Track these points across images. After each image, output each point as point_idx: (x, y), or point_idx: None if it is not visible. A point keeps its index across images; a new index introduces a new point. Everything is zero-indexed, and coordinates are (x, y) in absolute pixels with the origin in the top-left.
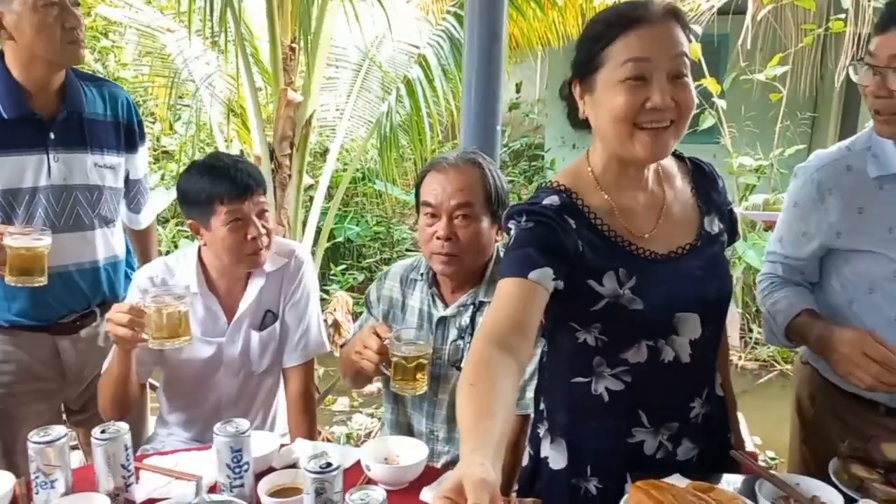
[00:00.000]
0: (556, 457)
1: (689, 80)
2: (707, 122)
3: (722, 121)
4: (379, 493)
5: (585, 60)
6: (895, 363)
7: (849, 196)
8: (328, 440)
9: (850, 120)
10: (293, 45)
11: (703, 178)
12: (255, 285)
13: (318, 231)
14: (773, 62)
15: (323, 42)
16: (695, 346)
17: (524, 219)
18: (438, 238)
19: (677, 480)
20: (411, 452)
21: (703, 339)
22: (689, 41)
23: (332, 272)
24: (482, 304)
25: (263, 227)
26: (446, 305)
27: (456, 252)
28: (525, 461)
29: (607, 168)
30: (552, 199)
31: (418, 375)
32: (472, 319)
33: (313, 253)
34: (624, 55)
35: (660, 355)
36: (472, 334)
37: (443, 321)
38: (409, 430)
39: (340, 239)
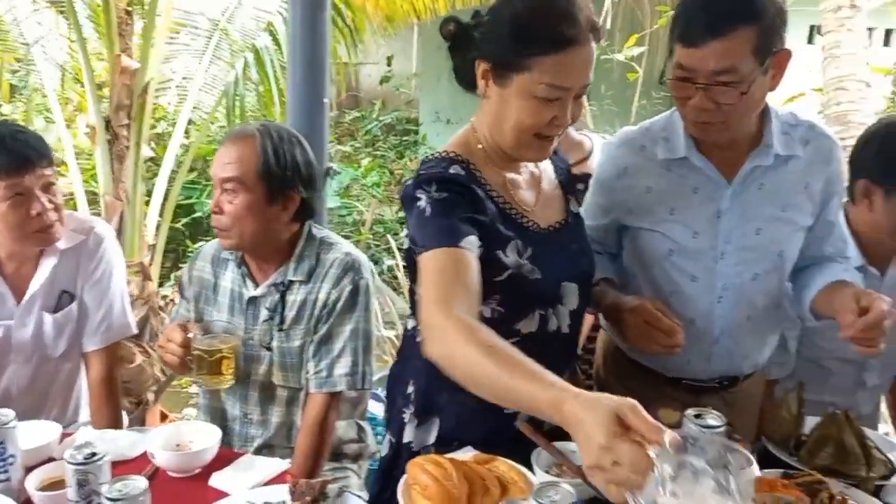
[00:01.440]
0: (422, 438)
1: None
2: None
3: None
4: (140, 482)
5: (506, 57)
6: (668, 327)
7: (641, 175)
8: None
9: None
10: (128, 8)
11: (559, 161)
12: (47, 264)
13: (165, 205)
14: (630, 42)
15: (165, 7)
16: (573, 317)
17: (434, 188)
18: (214, 212)
19: (463, 454)
20: (203, 438)
21: (578, 310)
22: None
23: (191, 249)
24: (291, 283)
25: (50, 201)
26: (256, 285)
27: (223, 226)
28: (385, 450)
29: (496, 144)
30: (457, 169)
31: (222, 369)
32: (283, 299)
33: (159, 227)
34: (548, 77)
35: (548, 324)
36: (282, 314)
37: (253, 301)
38: (223, 416)
39: (200, 214)
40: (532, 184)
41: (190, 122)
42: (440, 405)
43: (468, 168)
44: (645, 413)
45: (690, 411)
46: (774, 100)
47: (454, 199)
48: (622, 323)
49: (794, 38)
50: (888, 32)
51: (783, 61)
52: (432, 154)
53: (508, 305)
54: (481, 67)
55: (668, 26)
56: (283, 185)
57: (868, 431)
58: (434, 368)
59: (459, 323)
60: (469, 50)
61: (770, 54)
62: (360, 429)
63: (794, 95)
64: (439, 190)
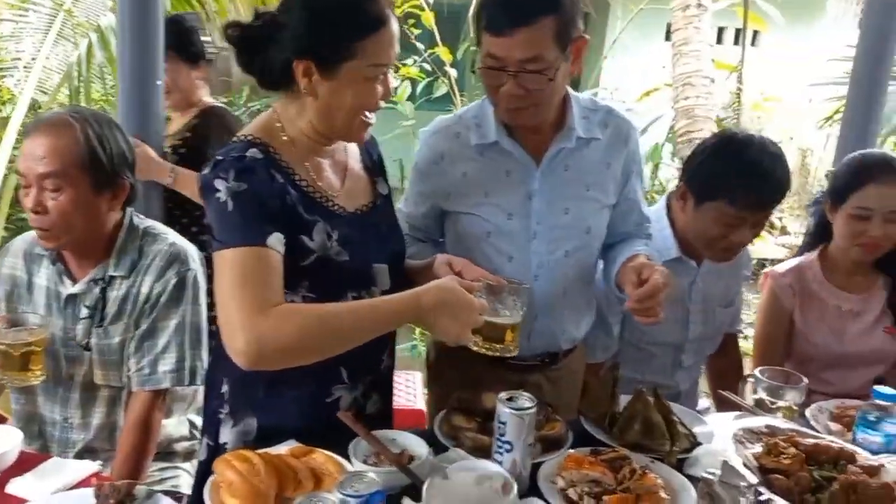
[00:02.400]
0: (239, 438)
1: None
2: (440, 90)
3: (454, 89)
4: None
5: (330, 49)
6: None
7: (456, 161)
8: None
9: (576, 89)
10: None
11: (367, 144)
12: None
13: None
14: None
15: None
16: None
17: (233, 177)
18: (35, 212)
19: (285, 446)
20: (2, 442)
21: (391, 291)
22: None
23: None
24: (112, 278)
25: None
26: (74, 282)
27: (47, 226)
28: (202, 453)
29: (303, 131)
30: (254, 152)
31: (30, 365)
32: (104, 295)
33: None
34: (374, 58)
35: None
36: (103, 310)
37: (72, 299)
38: (40, 421)
39: None
40: (337, 169)
41: (34, 105)
42: (256, 401)
43: (267, 152)
44: (461, 280)
45: (503, 395)
46: (633, 93)
47: (255, 190)
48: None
49: (652, 35)
50: (738, 31)
51: (581, 48)
52: (233, 139)
53: (319, 291)
54: (301, 66)
55: (474, 16)
56: (112, 174)
57: (676, 407)
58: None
59: (282, 310)
60: (271, 52)
61: (570, 42)
62: (193, 426)
63: (650, 90)
64: (238, 180)
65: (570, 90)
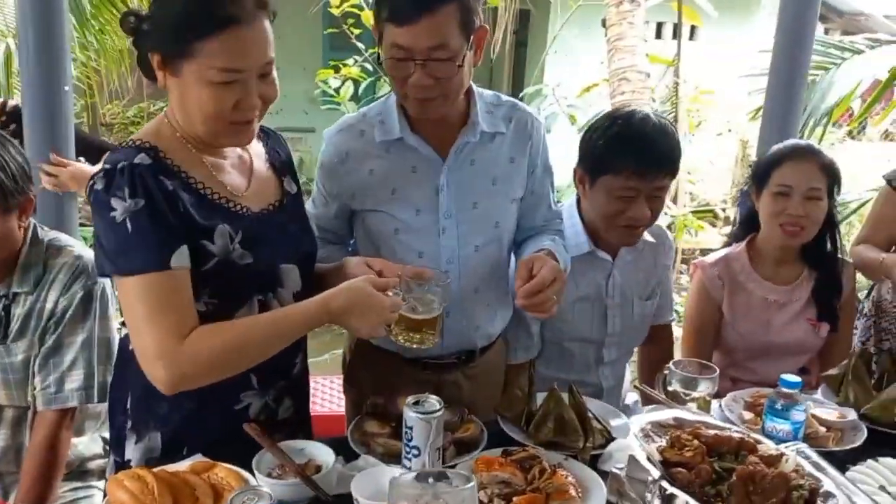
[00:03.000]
0: (143, 454)
1: (275, 73)
2: (383, 89)
3: None
4: None
5: (171, 45)
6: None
7: (362, 159)
8: None
9: (519, 85)
10: None
11: (275, 143)
12: None
13: None
14: None
15: None
16: (297, 299)
17: (128, 193)
18: None
19: (190, 461)
20: None
21: (303, 292)
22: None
23: None
24: (16, 295)
25: None
26: None
27: None
28: (109, 470)
29: (191, 133)
30: (141, 158)
31: None
32: (7, 313)
33: None
34: (219, 61)
35: (269, 308)
36: (6, 328)
37: None
38: None
39: None
40: (241, 168)
41: None
42: (160, 415)
43: (157, 157)
44: (375, 278)
45: (410, 399)
46: (573, 88)
47: (153, 206)
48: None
49: (591, 31)
50: (675, 27)
51: (482, 38)
52: (121, 143)
53: (221, 296)
54: (155, 60)
55: (374, 11)
56: (17, 192)
57: (594, 402)
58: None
59: (198, 334)
60: (145, 43)
61: (473, 30)
62: (107, 443)
63: (590, 86)
64: (134, 196)
65: (473, 86)
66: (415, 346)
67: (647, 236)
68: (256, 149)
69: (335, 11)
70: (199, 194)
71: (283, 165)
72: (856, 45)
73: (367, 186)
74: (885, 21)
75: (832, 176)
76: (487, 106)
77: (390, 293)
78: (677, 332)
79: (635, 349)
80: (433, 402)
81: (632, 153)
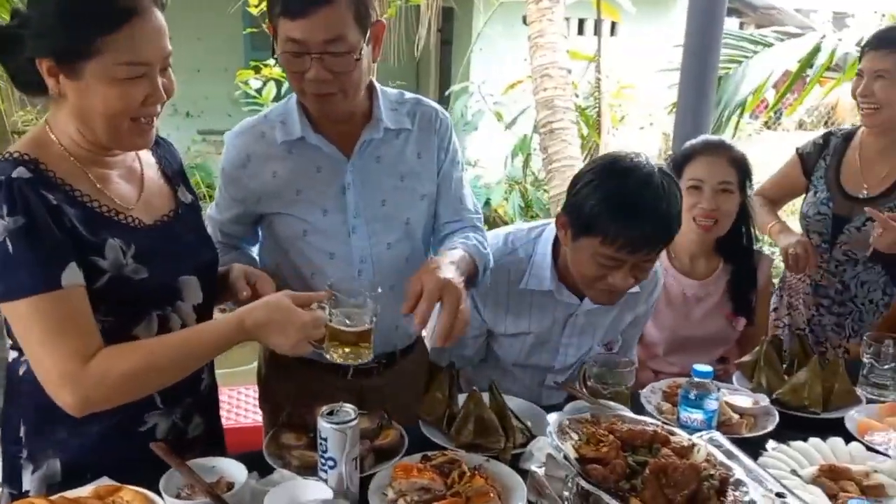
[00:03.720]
0: (42, 483)
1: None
2: None
3: None
4: None
5: (69, 47)
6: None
7: (265, 161)
8: None
9: (446, 83)
10: None
11: (165, 151)
12: None
13: None
14: None
15: None
16: (199, 311)
17: (6, 211)
18: None
19: (95, 485)
20: None
21: (204, 304)
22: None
23: None
24: None
25: None
26: None
27: None
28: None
29: (81, 143)
30: (20, 172)
31: None
32: None
33: None
34: (123, 56)
35: (169, 323)
36: None
37: None
38: None
39: None
40: (131, 178)
41: None
42: (59, 441)
43: (38, 170)
44: (296, 293)
45: (324, 408)
46: (498, 85)
47: (34, 222)
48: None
49: (515, 28)
50: (597, 23)
51: (379, 33)
52: None
53: (117, 313)
54: (45, 66)
55: (268, 5)
56: None
57: (516, 401)
58: (46, 403)
59: (104, 356)
60: (21, 52)
61: (369, 24)
62: None
63: (514, 83)
64: (13, 214)
65: (376, 83)
66: (349, 361)
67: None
68: (147, 158)
69: (253, 10)
70: (86, 208)
71: (175, 174)
72: (766, 38)
73: (272, 189)
74: (795, 14)
75: (743, 170)
76: (391, 103)
77: (314, 307)
78: None
79: None
80: (348, 410)
81: (625, 226)
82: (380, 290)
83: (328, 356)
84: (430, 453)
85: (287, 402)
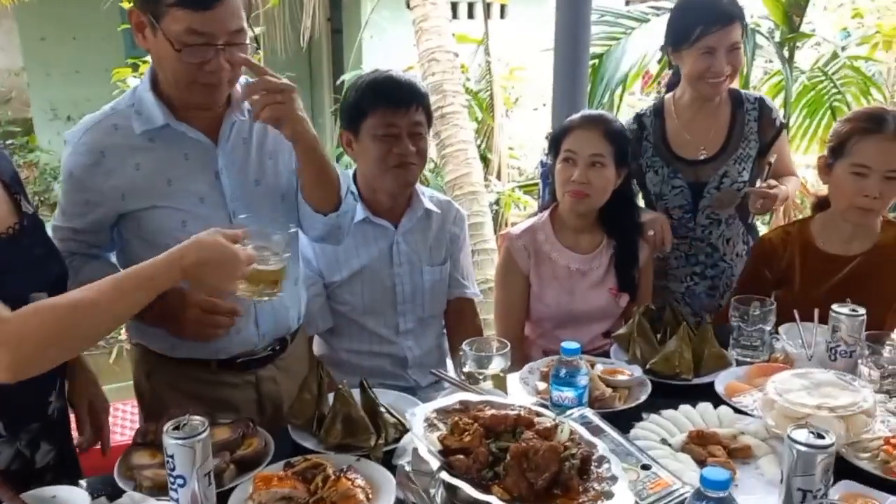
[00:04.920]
0: None
1: None
2: None
3: None
4: None
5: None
6: (230, 307)
7: (123, 155)
8: None
9: (339, 71)
10: None
11: (1, 159)
12: None
13: None
14: None
15: None
16: None
17: None
18: None
19: None
20: None
21: None
22: None
23: None
24: None
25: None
26: None
27: None
28: None
29: None
30: None
31: None
32: None
33: None
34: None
35: None
36: None
37: None
38: None
39: None
40: None
41: None
42: None
43: None
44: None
45: (169, 424)
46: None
47: None
48: (177, 322)
49: (402, 14)
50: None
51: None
52: None
53: None
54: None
55: None
56: None
57: (389, 395)
58: None
59: (25, 310)
60: None
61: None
62: None
63: (406, 69)
64: None
65: None
66: (265, 298)
67: (431, 206)
68: None
69: (125, 5)
70: None
71: (13, 182)
72: (646, 15)
73: (137, 183)
74: None
75: (618, 143)
76: (243, 86)
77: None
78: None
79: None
80: (196, 424)
81: (383, 92)
82: (292, 227)
83: (242, 294)
84: (293, 460)
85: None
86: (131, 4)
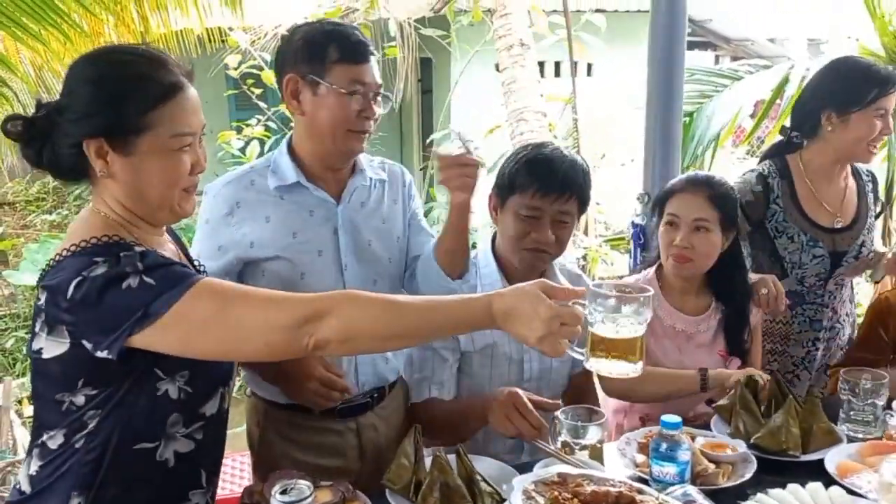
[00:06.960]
0: None
1: None
2: None
3: None
4: None
5: (122, 123)
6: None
7: (255, 207)
8: None
9: (428, 131)
10: None
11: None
12: None
13: None
14: None
15: None
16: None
17: (138, 264)
18: None
19: None
20: None
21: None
22: None
23: None
24: None
25: None
26: None
27: None
28: None
29: (129, 220)
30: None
31: None
32: None
33: None
34: (175, 127)
35: (224, 403)
36: None
37: None
38: None
39: None
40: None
41: None
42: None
43: (131, 246)
44: (554, 284)
45: (277, 487)
46: (478, 130)
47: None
48: (297, 387)
49: (490, 74)
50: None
51: None
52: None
53: (198, 385)
54: (93, 147)
55: (310, 54)
56: None
57: (484, 462)
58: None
59: (346, 294)
60: (56, 139)
61: None
62: None
63: (493, 128)
64: (134, 260)
65: None
66: (622, 375)
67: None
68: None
69: (233, 73)
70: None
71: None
72: (737, 72)
73: (266, 233)
74: (769, 44)
75: (724, 208)
76: (367, 160)
77: (571, 304)
78: None
79: None
80: (302, 487)
81: (537, 174)
82: (651, 291)
83: (587, 365)
84: None
85: (285, 464)
86: (288, 74)
